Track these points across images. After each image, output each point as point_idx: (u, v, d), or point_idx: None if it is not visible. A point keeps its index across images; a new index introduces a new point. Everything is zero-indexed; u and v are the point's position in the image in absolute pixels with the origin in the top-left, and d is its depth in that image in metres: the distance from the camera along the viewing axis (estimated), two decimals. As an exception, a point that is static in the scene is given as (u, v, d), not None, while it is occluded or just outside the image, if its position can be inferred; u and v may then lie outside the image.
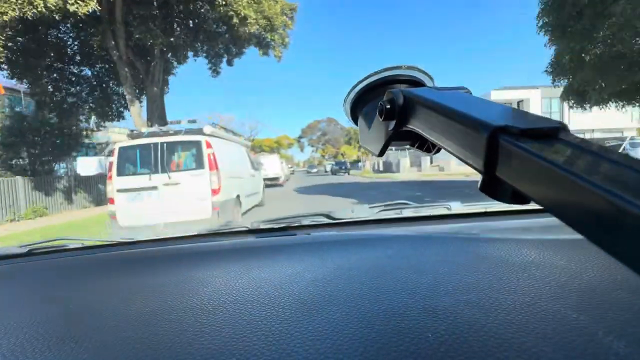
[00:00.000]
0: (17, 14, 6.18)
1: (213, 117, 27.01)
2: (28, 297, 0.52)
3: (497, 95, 21.74)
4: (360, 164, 38.73)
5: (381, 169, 29.54)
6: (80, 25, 9.68)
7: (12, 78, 9.85)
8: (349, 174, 29.35)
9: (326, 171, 38.82)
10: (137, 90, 10.88)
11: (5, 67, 9.31)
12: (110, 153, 5.23)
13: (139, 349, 0.34)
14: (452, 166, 21.47)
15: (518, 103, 22.54)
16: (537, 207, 0.19)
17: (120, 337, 0.36)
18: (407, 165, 25.16)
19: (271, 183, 15.10)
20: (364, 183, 15.81)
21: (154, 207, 4.49)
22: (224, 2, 8.41)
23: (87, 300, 0.49)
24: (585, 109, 8.88)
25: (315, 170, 36.34)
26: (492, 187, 0.19)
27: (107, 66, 11.46)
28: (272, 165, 15.96)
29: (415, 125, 0.25)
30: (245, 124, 33.83)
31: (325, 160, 54.68)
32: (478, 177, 0.20)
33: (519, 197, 0.18)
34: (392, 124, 0.27)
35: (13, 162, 9.78)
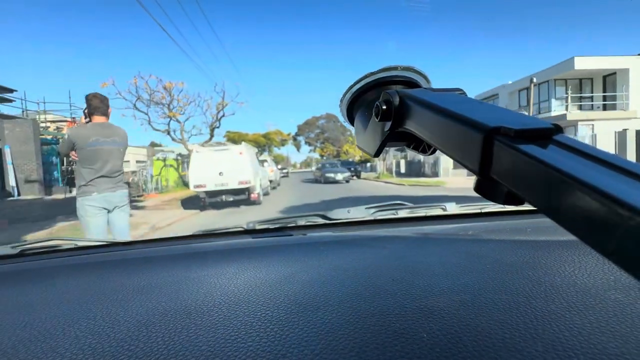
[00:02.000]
0: None
1: (143, 78, 14.90)
2: (19, 299, 0.51)
3: (582, 64, 14.71)
4: (368, 164, 30.09)
5: (402, 170, 21.60)
6: None
7: None
8: (359, 177, 22.10)
9: None
10: None
11: None
12: None
13: (134, 351, 0.33)
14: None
15: (605, 78, 15.69)
16: (531, 208, 0.19)
17: (114, 338, 0.36)
18: (449, 166, 17.49)
19: (236, 199, 8.62)
20: (416, 198, 6.69)
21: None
22: None
23: (81, 301, 0.48)
24: None
25: (340, 176, 17.37)
26: (486, 188, 0.19)
27: None
28: (235, 166, 8.46)
29: (411, 126, 0.26)
30: (211, 101, 19.47)
31: (325, 161, 48.16)
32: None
33: (514, 198, 0.18)
34: (388, 124, 0.27)
35: None
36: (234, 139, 34.86)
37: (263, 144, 44.20)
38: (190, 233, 0.93)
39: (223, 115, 18.15)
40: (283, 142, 48.62)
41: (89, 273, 0.63)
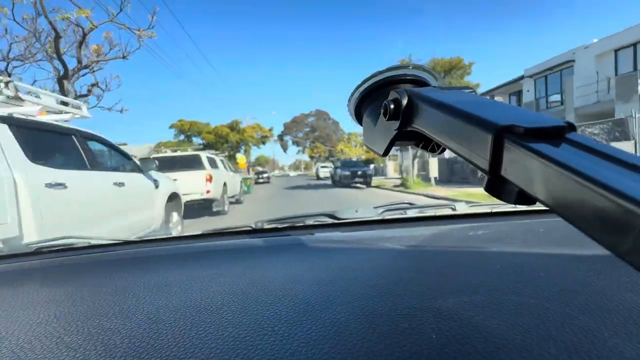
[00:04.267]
0: None
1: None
2: (35, 296, 0.53)
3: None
4: (372, 166, 18.65)
5: (433, 174, 11.96)
6: None
7: None
8: (369, 185, 13.97)
9: (320, 178, 23.06)
10: None
11: None
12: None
13: (144, 347, 0.34)
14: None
15: None
16: (543, 207, 0.19)
17: (126, 335, 0.37)
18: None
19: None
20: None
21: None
22: None
23: (94, 299, 0.49)
24: None
25: None
26: (497, 187, 0.19)
27: None
28: None
29: (419, 125, 0.25)
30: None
31: (316, 164, 37.08)
32: None
33: (525, 198, 0.18)
34: (397, 123, 0.27)
35: None
36: (184, 129, 23.59)
37: (235, 140, 28.15)
38: (199, 232, 0.94)
39: (84, 66, 7.22)
40: (263, 139, 33.46)
41: (102, 271, 0.65)
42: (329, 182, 17.93)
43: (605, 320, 0.33)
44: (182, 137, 24.78)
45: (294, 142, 47.41)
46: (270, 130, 33.89)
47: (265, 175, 22.91)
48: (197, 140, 25.34)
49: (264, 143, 33.74)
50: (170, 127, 24.15)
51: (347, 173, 14.22)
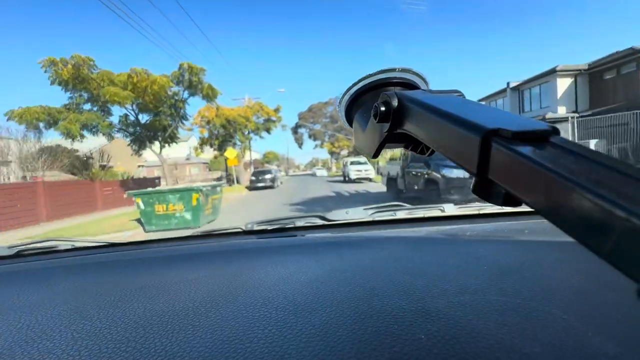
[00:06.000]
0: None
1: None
2: (16, 300, 0.51)
3: None
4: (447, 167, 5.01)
5: None
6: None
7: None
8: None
9: (350, 180, 15.35)
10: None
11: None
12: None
13: (130, 352, 0.33)
14: None
15: None
16: (528, 209, 0.19)
17: (111, 339, 0.36)
18: None
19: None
20: None
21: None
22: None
23: (78, 303, 0.48)
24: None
25: None
26: (484, 189, 0.19)
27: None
28: None
29: (409, 128, 0.26)
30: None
31: (339, 160, 31.49)
32: None
33: (511, 200, 0.18)
34: (387, 126, 0.28)
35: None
36: (62, 77, 9.36)
37: (218, 123, 16.04)
38: (189, 234, 0.93)
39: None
40: (267, 125, 19.78)
41: (87, 274, 0.63)
42: (368, 187, 10.98)
43: (588, 319, 0.33)
44: (84, 96, 10.62)
45: (310, 136, 37.67)
46: (277, 111, 19.52)
47: (267, 176, 14.94)
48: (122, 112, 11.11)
49: (268, 131, 19.70)
50: (46, 72, 9.80)
51: (453, 176, 5.81)
